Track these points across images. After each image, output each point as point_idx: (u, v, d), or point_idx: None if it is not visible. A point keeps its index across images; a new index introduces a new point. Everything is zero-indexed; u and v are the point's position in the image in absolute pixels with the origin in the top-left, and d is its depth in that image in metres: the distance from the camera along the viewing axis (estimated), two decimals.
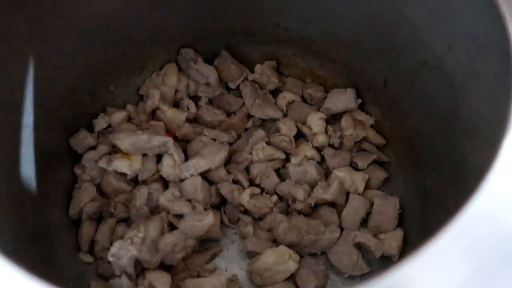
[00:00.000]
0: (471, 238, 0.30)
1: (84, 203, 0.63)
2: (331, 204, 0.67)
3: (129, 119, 0.71)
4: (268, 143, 0.70)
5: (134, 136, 0.64)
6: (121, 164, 0.63)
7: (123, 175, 0.65)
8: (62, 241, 0.63)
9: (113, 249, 0.56)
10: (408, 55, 0.59)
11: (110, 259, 0.55)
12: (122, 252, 0.55)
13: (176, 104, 0.75)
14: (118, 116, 0.69)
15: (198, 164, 0.64)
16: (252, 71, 0.76)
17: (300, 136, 0.73)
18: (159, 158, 0.67)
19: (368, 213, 0.66)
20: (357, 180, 0.68)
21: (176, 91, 0.74)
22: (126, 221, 0.65)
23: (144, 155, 0.66)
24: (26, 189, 0.58)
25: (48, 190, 0.63)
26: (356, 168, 0.70)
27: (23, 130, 0.56)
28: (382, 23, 0.59)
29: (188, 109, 0.73)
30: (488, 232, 0.30)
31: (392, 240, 0.64)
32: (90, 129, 0.69)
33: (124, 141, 0.63)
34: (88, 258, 0.64)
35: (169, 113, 0.70)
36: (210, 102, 0.76)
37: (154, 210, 0.63)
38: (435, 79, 0.56)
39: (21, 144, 0.57)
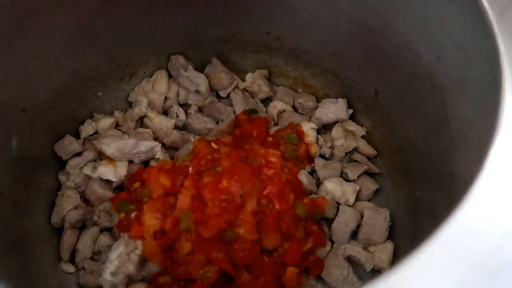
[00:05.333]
0: (458, 249, 0.29)
1: (67, 210, 0.62)
2: None
3: (117, 125, 0.70)
4: None
5: (121, 140, 0.63)
6: (106, 171, 0.62)
7: (108, 182, 0.64)
8: (43, 250, 0.61)
9: (111, 267, 0.54)
10: (398, 65, 0.59)
11: (109, 278, 0.54)
12: (120, 270, 0.54)
13: (165, 112, 0.74)
14: (105, 122, 0.68)
15: None
16: (243, 80, 0.76)
17: None
18: (145, 165, 0.66)
19: (358, 225, 0.65)
20: (348, 191, 0.67)
21: (165, 98, 0.73)
22: (110, 230, 0.64)
23: (130, 162, 0.65)
24: (6, 196, 0.56)
25: (30, 197, 0.61)
26: (347, 179, 0.69)
27: (4, 134, 0.55)
28: (372, 33, 0.59)
29: (177, 116, 0.72)
30: (475, 244, 0.29)
31: (383, 253, 0.63)
32: (76, 135, 0.68)
33: (110, 146, 0.62)
34: (69, 268, 0.62)
35: (156, 120, 0.69)
36: (200, 110, 0.75)
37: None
38: (425, 90, 0.56)
39: (3, 149, 0.55)
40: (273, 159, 0.61)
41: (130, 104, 0.74)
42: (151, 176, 0.58)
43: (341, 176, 0.69)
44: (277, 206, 0.55)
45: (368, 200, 0.69)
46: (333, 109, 0.71)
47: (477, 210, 0.31)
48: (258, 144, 0.65)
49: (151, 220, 0.54)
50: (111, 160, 0.63)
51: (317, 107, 0.73)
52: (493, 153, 0.33)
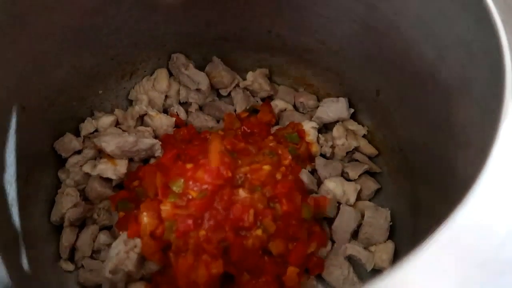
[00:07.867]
0: (461, 247, 0.29)
1: (66, 208, 0.61)
2: None
3: (117, 124, 0.70)
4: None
5: (121, 138, 0.62)
6: (106, 169, 0.62)
7: (108, 180, 0.63)
8: (42, 248, 0.61)
9: (111, 265, 0.53)
10: (400, 64, 0.59)
11: (108, 276, 0.53)
12: (119, 268, 0.53)
13: (166, 110, 0.74)
14: (106, 120, 0.68)
15: None
16: (244, 78, 0.75)
17: None
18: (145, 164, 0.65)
19: (359, 225, 0.65)
20: (349, 191, 0.66)
21: (166, 96, 0.73)
22: (109, 228, 0.63)
23: (130, 160, 0.64)
24: (5, 194, 0.56)
25: (30, 195, 0.61)
26: (348, 178, 0.68)
27: (4, 132, 0.55)
28: (374, 32, 0.58)
29: (178, 115, 0.72)
30: (479, 241, 0.28)
31: (383, 253, 0.62)
32: (77, 133, 0.68)
33: (110, 144, 0.62)
34: (69, 266, 0.61)
35: (157, 118, 0.68)
36: (201, 108, 0.75)
37: None
38: (427, 89, 0.55)
39: (2, 146, 0.55)
40: (285, 153, 0.61)
41: (130, 102, 0.74)
42: (147, 175, 0.58)
43: (342, 175, 0.69)
44: (285, 207, 0.55)
45: (369, 200, 0.69)
46: (334, 108, 0.71)
47: (479, 209, 0.30)
48: (262, 140, 0.65)
49: (147, 220, 0.53)
50: (111, 158, 0.63)
51: (318, 106, 0.73)
52: (496, 152, 0.33)
